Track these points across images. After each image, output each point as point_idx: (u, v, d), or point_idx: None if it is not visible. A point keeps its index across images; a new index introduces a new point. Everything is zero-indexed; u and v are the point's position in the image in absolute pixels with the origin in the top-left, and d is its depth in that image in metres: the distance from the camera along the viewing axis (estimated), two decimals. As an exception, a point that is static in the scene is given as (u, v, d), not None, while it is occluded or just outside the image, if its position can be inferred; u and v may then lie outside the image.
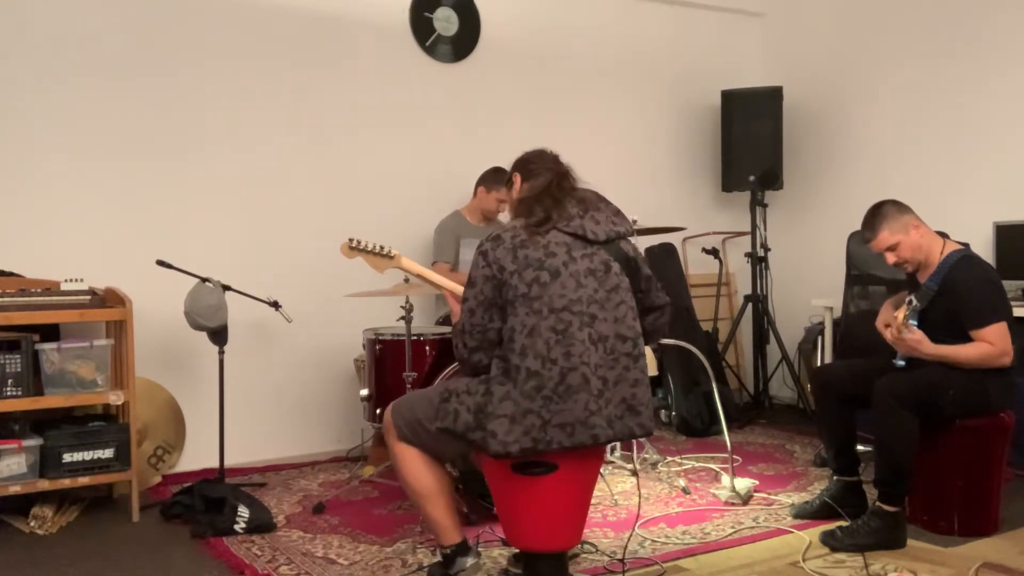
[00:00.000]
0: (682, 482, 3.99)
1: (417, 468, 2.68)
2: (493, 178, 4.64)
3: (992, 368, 3.24)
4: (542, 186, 2.66)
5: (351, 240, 3.52)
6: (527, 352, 2.46)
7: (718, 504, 3.72)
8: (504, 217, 4.74)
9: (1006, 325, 3.24)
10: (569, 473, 2.54)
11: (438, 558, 2.78)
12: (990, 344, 3.21)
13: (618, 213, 2.69)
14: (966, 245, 3.42)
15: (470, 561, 2.69)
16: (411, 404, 2.71)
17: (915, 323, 3.27)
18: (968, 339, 3.25)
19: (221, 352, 3.97)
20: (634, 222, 4.25)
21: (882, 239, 3.36)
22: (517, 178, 2.77)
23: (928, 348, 3.24)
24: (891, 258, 3.38)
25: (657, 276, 2.79)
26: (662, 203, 5.76)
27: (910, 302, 3.18)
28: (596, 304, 2.52)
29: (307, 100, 4.69)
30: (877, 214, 3.39)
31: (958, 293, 3.26)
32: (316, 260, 4.68)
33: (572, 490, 2.58)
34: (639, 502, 3.55)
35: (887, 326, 3.37)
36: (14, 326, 3.49)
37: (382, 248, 3.50)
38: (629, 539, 3.25)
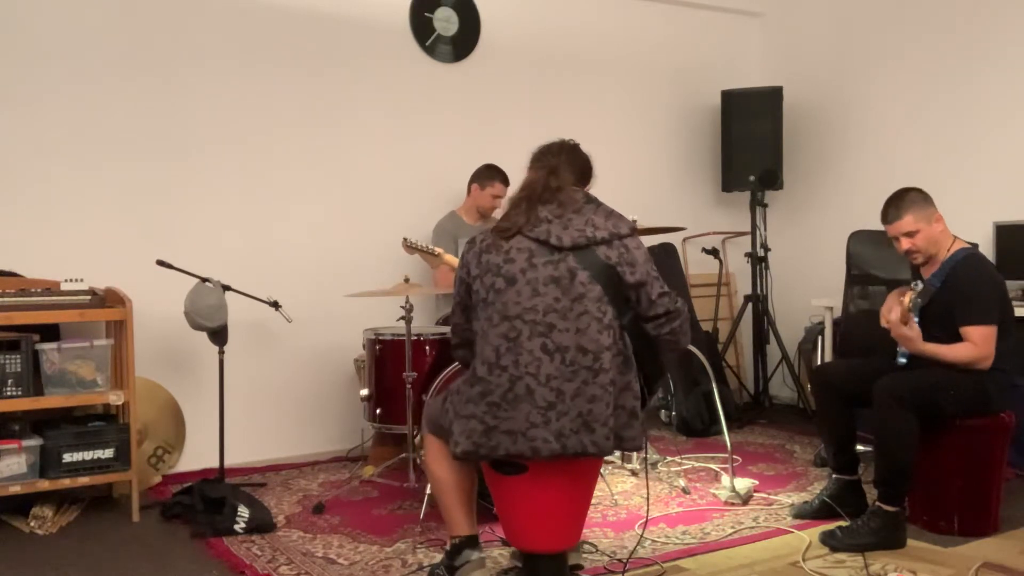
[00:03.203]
0: (682, 482, 3.99)
1: (437, 458, 2.70)
2: (486, 174, 4.66)
3: (991, 368, 3.24)
4: (526, 186, 2.63)
5: (406, 239, 3.99)
6: (479, 357, 2.48)
7: (718, 504, 3.72)
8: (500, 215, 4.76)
9: (995, 330, 3.23)
10: (566, 474, 2.53)
11: (447, 548, 2.78)
12: (974, 344, 3.22)
13: (609, 215, 2.59)
14: (975, 245, 3.42)
15: (475, 555, 2.70)
16: (437, 401, 2.76)
17: (916, 319, 3.27)
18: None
19: (221, 352, 3.97)
20: (633, 221, 4.26)
21: (905, 223, 3.34)
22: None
23: (917, 346, 3.24)
24: (905, 243, 3.36)
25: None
26: (662, 203, 5.76)
27: (915, 286, 3.18)
28: (555, 314, 2.44)
29: (307, 100, 4.69)
30: (905, 198, 3.36)
31: (957, 289, 3.27)
32: (316, 260, 4.68)
33: (570, 491, 2.58)
34: (647, 506, 3.54)
35: (898, 301, 3.32)
36: (14, 326, 3.49)
37: (428, 247, 4.01)
38: (639, 542, 3.24)
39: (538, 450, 2.40)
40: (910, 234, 3.34)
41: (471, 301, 2.57)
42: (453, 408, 2.54)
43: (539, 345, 2.43)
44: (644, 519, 3.46)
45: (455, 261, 3.91)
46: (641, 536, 3.29)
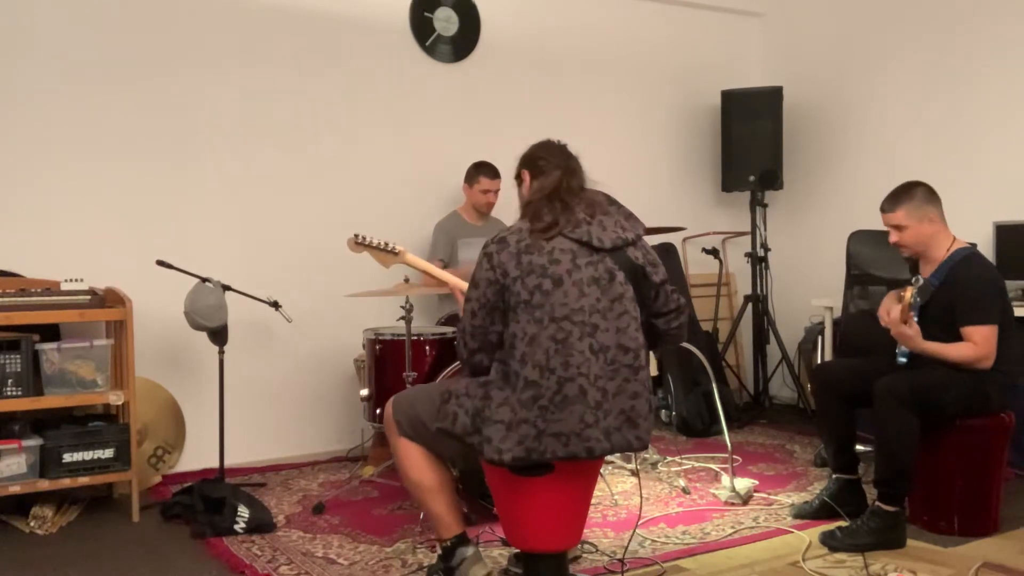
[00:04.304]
0: (682, 482, 3.99)
1: (418, 463, 2.67)
2: (472, 173, 4.71)
3: (991, 368, 3.24)
4: (551, 186, 2.59)
5: (356, 236, 3.60)
6: (526, 361, 2.43)
7: (718, 504, 3.72)
8: (499, 212, 4.75)
9: (996, 329, 3.23)
10: (569, 474, 2.53)
11: (438, 552, 2.78)
12: (975, 344, 3.22)
13: (629, 217, 2.63)
14: (973, 245, 3.42)
15: (470, 551, 2.69)
16: (412, 401, 2.70)
17: (916, 318, 3.27)
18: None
19: (221, 352, 3.97)
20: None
21: (895, 216, 3.36)
22: (526, 175, 2.71)
23: (918, 344, 3.24)
24: (893, 236, 3.40)
25: None
26: (662, 203, 5.76)
27: (916, 281, 3.18)
28: (598, 314, 2.46)
29: (307, 100, 4.69)
30: (905, 193, 3.38)
31: (957, 289, 3.27)
32: (316, 260, 4.68)
33: (572, 491, 2.58)
34: (640, 503, 3.55)
35: (898, 299, 3.31)
36: (14, 326, 3.49)
37: (387, 244, 3.58)
38: (630, 539, 3.25)
39: (592, 450, 2.42)
40: (898, 228, 3.37)
41: (502, 303, 2.52)
42: (471, 412, 2.50)
43: (588, 346, 2.44)
44: (638, 516, 3.46)
45: (419, 262, 3.65)
46: (633, 532, 3.29)
